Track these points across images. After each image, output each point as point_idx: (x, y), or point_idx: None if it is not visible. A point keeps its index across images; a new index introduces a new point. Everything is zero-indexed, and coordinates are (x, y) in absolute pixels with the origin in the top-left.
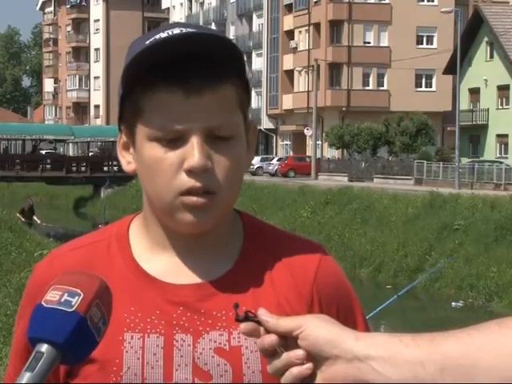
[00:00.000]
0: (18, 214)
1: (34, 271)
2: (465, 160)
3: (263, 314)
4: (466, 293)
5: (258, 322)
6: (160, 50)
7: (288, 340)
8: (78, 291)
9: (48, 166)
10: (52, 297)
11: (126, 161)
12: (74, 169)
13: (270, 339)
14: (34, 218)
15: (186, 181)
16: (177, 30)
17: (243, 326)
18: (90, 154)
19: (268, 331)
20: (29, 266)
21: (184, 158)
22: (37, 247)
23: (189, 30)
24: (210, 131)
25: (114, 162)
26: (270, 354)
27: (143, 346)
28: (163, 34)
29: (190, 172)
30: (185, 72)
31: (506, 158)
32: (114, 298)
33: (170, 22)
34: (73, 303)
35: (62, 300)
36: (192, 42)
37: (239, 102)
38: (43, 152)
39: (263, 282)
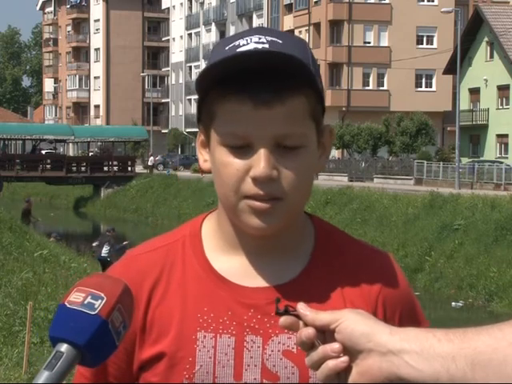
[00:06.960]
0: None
1: (109, 271)
2: (465, 160)
3: (302, 307)
4: (466, 293)
5: (298, 316)
6: (231, 63)
7: (326, 334)
8: (102, 294)
9: (48, 166)
10: (75, 298)
11: (204, 158)
12: (74, 169)
13: (308, 332)
14: (31, 217)
15: (251, 187)
16: (255, 39)
17: (282, 319)
18: (90, 153)
19: (306, 325)
20: (29, 267)
21: (251, 165)
22: (37, 247)
23: (267, 38)
24: (278, 141)
25: (114, 162)
26: (307, 346)
27: (215, 346)
28: (242, 41)
29: (255, 180)
30: (254, 85)
31: (506, 157)
32: (188, 297)
33: (171, 21)
34: (96, 306)
35: (86, 302)
36: (262, 58)
37: (310, 112)
38: (43, 152)
39: (332, 287)
